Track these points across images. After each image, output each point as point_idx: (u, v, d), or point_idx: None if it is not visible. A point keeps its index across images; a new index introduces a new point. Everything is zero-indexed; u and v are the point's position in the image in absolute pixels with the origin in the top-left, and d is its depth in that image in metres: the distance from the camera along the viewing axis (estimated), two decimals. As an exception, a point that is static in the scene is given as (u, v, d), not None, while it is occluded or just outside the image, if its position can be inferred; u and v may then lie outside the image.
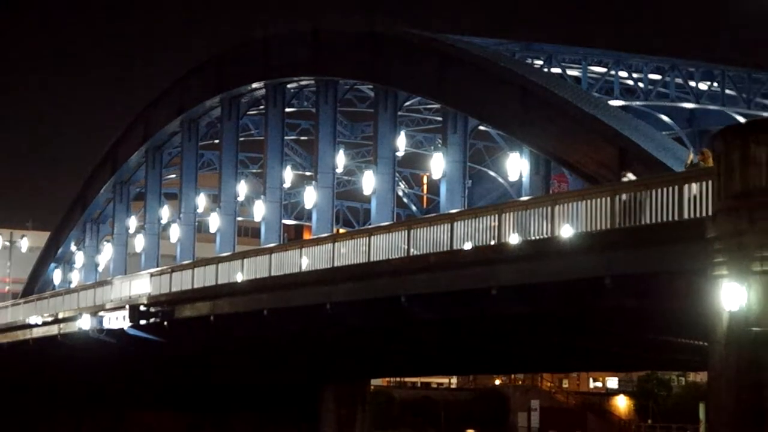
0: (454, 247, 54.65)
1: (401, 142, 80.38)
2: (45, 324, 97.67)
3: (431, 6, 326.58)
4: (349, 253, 63.43)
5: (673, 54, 78.78)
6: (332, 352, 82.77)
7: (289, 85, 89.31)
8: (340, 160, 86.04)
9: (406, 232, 59.63)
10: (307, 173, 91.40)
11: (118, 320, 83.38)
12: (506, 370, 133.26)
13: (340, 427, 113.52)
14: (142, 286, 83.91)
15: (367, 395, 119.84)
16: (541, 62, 73.11)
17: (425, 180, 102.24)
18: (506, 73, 69.23)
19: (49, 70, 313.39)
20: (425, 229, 58.53)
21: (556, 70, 72.25)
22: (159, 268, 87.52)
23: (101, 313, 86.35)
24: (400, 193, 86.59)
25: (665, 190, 43.64)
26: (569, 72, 74.06)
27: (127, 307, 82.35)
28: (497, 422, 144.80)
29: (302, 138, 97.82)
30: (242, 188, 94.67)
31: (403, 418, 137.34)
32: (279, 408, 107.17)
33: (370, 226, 72.06)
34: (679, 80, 73.99)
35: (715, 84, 74.69)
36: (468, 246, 53.84)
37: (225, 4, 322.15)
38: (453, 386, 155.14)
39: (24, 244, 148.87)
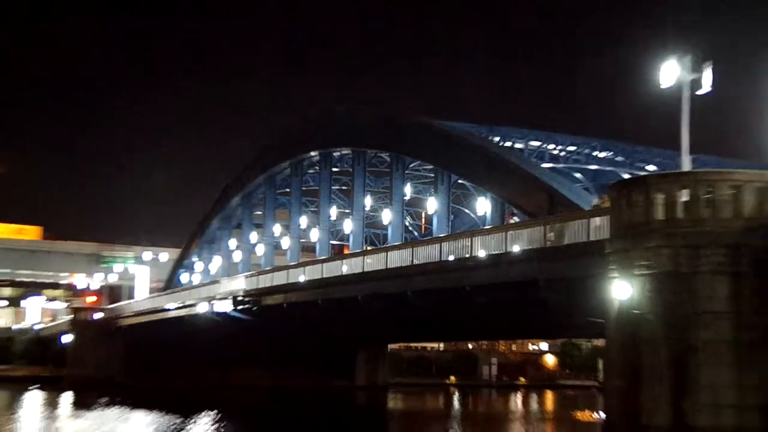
0: (442, 259, 54.89)
1: (407, 190, 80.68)
2: (177, 308, 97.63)
3: (427, 98, 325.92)
4: (373, 263, 63.43)
5: (583, 133, 79.07)
6: (362, 328, 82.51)
7: (334, 153, 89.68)
8: (368, 202, 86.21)
9: (411, 249, 59.78)
10: (346, 211, 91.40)
11: (223, 306, 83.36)
12: (475, 338, 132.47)
13: (368, 376, 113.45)
14: (239, 283, 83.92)
15: (386, 355, 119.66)
16: (498, 138, 73.29)
17: (423, 215, 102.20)
18: (476, 146, 69.53)
19: (180, 147, 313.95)
20: (423, 247, 58.69)
21: (508, 143, 72.45)
22: (250, 272, 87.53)
23: (213, 302, 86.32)
24: (407, 224, 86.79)
25: (578, 222, 44.02)
26: (516, 145, 74.22)
27: (230, 297, 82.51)
28: (469, 373, 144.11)
29: (343, 188, 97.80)
30: (304, 220, 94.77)
31: (408, 370, 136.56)
32: (328, 364, 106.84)
33: (387, 245, 72.10)
34: (587, 151, 74.18)
35: (611, 153, 74.82)
36: (451, 258, 54.07)
37: (291, 98, 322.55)
38: (441, 349, 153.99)
39: (163, 257, 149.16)
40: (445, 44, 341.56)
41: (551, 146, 73.67)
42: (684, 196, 35.36)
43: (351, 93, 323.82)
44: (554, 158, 71.51)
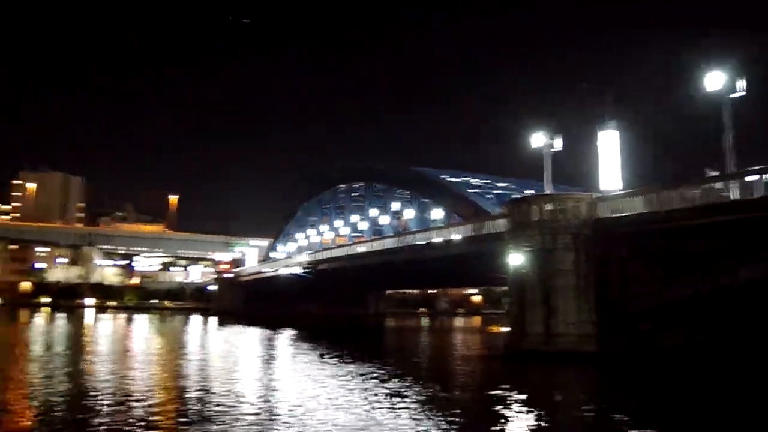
0: (415, 243, 54.56)
1: (394, 206, 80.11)
2: (270, 271, 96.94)
3: (405, 151, 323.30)
4: (376, 245, 63.24)
5: (491, 172, 78.24)
6: (371, 280, 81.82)
7: (354, 185, 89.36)
8: (373, 212, 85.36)
9: (397, 238, 59.63)
10: (361, 217, 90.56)
11: (295, 270, 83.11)
12: (434, 287, 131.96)
13: (375, 307, 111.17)
14: (303, 258, 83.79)
15: (384, 295, 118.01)
16: (444, 176, 72.45)
17: (404, 220, 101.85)
18: (432, 180, 69.34)
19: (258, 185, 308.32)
20: (404, 237, 58.51)
21: (451, 179, 71.56)
22: (310, 251, 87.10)
23: (289, 267, 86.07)
24: (395, 224, 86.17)
25: (491, 222, 43.61)
26: (455, 179, 73.24)
27: (299, 265, 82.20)
28: (431, 306, 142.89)
29: (360, 204, 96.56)
30: (338, 223, 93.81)
31: (397, 305, 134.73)
32: (353, 301, 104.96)
33: (384, 236, 71.54)
34: (495, 183, 73.29)
35: (508, 183, 73.94)
36: (420, 242, 53.71)
37: (323, 151, 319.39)
38: (415, 293, 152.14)
39: (263, 243, 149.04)
40: (424, 109, 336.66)
41: (475, 180, 73.00)
42: (548, 206, 35.24)
43: (362, 146, 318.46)
44: (477, 186, 70.85)
